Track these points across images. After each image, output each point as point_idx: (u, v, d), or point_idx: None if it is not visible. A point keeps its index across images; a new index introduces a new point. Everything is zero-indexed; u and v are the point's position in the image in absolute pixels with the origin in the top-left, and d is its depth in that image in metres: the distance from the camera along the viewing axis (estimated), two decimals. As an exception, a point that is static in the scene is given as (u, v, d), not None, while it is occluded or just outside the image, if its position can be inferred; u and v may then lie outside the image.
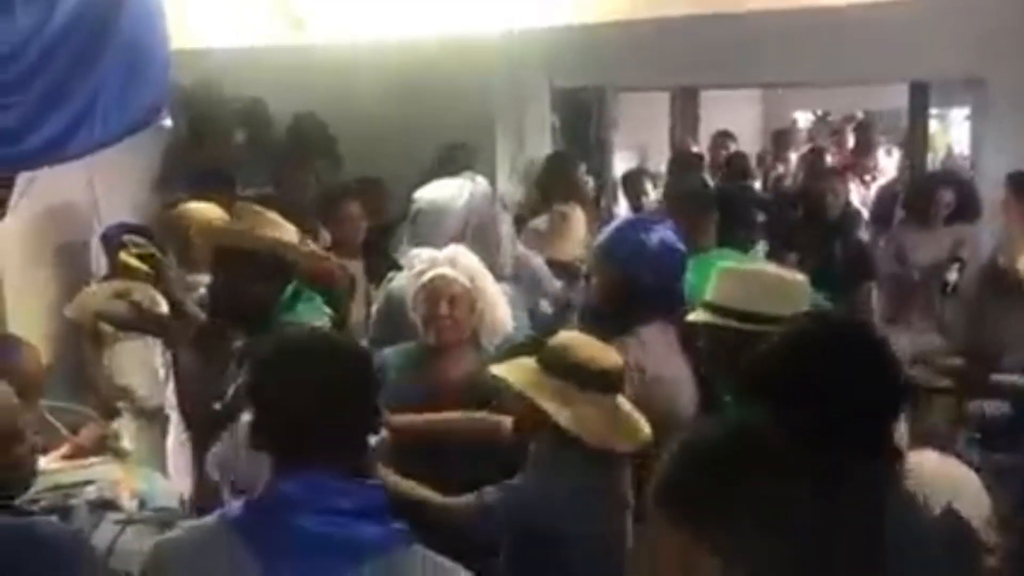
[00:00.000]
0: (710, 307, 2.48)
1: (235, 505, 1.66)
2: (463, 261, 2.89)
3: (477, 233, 3.39)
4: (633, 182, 6.57)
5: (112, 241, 4.29)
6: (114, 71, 3.18)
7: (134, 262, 3.75)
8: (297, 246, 2.93)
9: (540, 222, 4.95)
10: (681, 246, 2.96)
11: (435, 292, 2.85)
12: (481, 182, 3.66)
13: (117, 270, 3.95)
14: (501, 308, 2.91)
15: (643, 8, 5.54)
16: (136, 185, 5.04)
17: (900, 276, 5.32)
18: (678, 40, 5.53)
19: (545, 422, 2.35)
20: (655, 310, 2.86)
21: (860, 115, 8.64)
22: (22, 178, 3.46)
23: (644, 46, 5.58)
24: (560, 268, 4.31)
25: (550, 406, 2.33)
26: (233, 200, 4.12)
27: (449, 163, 4.94)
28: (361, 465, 1.71)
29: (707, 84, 7.04)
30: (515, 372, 2.42)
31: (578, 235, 4.81)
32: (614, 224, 3.18)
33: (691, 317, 2.54)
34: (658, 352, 2.79)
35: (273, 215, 2.95)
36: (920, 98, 6.25)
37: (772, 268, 2.84)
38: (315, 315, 2.90)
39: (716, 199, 4.03)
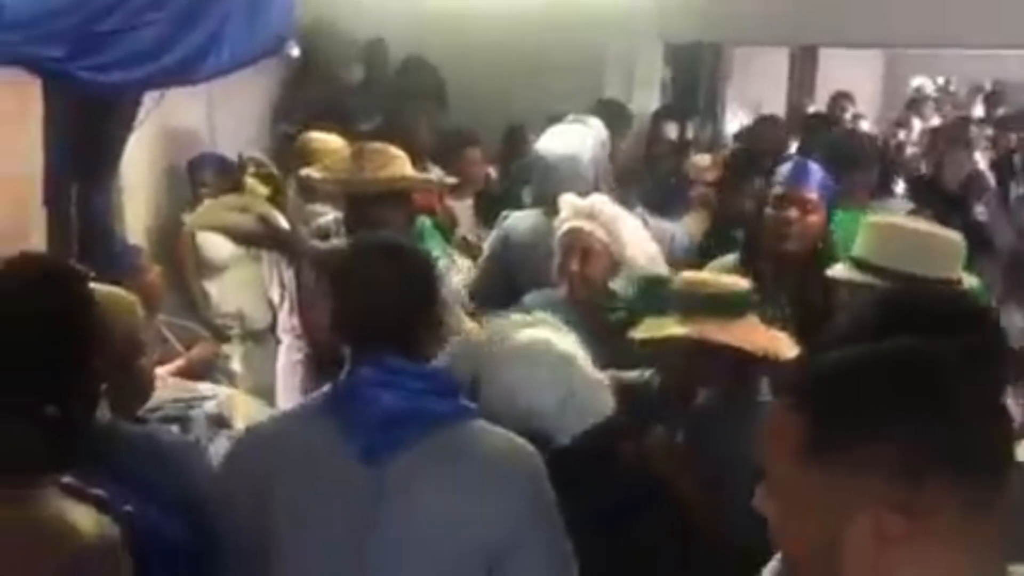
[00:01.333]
0: (854, 262, 2.38)
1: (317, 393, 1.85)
2: (603, 213, 2.84)
3: (603, 179, 3.37)
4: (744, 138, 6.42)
5: (197, 169, 4.39)
6: (238, 1, 3.23)
7: (257, 184, 3.83)
8: (416, 178, 2.97)
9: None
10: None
11: (569, 245, 2.83)
12: (596, 124, 3.63)
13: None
14: (643, 255, 2.87)
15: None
16: (251, 114, 5.15)
17: (1019, 252, 5.12)
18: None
19: (706, 370, 2.21)
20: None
21: (988, 85, 8.28)
22: (148, 98, 3.54)
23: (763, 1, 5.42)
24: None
25: (725, 336, 2.14)
26: (348, 135, 4.18)
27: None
28: (429, 356, 1.89)
29: (826, 42, 6.81)
30: (658, 328, 2.25)
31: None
32: None
33: (830, 272, 2.46)
34: None
35: (395, 150, 2.99)
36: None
37: (925, 224, 2.67)
38: (439, 250, 2.97)
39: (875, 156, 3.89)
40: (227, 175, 4.25)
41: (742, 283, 2.32)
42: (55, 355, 1.59)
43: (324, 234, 3.56)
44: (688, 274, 2.44)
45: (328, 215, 3.61)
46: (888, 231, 2.40)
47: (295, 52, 3.66)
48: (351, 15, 5.39)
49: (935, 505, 0.88)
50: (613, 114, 4.86)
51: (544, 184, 3.43)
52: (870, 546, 0.88)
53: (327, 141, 3.85)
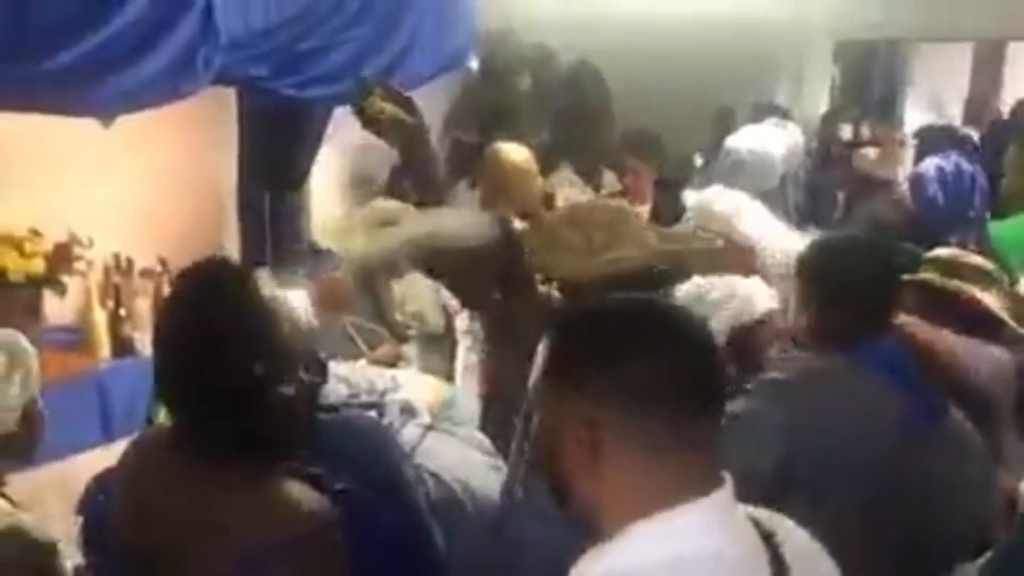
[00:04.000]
0: None
1: None
2: (717, 207, 2.89)
3: (791, 179, 3.38)
4: (927, 138, 6.16)
5: (394, 184, 4.54)
6: (429, 14, 3.35)
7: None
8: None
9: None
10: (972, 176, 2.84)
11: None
12: (793, 129, 3.63)
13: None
14: (771, 243, 2.89)
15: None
16: (429, 124, 5.30)
17: None
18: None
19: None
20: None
21: None
22: (339, 111, 3.72)
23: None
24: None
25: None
26: (520, 143, 4.26)
27: (727, 121, 4.88)
28: None
29: (1010, 35, 6.46)
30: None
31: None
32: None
33: None
34: None
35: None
36: None
37: None
38: None
39: None
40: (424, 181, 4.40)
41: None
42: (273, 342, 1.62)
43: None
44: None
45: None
46: None
47: (474, 65, 3.77)
48: (523, 22, 5.50)
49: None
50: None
51: (731, 179, 3.47)
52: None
53: (514, 152, 3.91)
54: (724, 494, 1.12)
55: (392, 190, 4.48)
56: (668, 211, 4.02)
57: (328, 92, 3.16)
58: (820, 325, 1.98)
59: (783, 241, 2.95)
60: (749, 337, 2.30)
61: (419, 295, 4.35)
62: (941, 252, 2.50)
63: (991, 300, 2.32)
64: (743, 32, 5.47)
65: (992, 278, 2.37)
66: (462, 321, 3.63)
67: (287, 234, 4.10)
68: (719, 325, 2.26)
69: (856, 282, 1.94)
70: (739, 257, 2.76)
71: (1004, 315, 2.30)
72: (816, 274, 2.02)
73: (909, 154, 6.07)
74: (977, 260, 2.44)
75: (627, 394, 1.10)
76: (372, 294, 4.50)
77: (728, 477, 1.13)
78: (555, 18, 5.53)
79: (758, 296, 2.36)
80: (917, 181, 3.45)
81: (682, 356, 1.12)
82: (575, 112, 5.32)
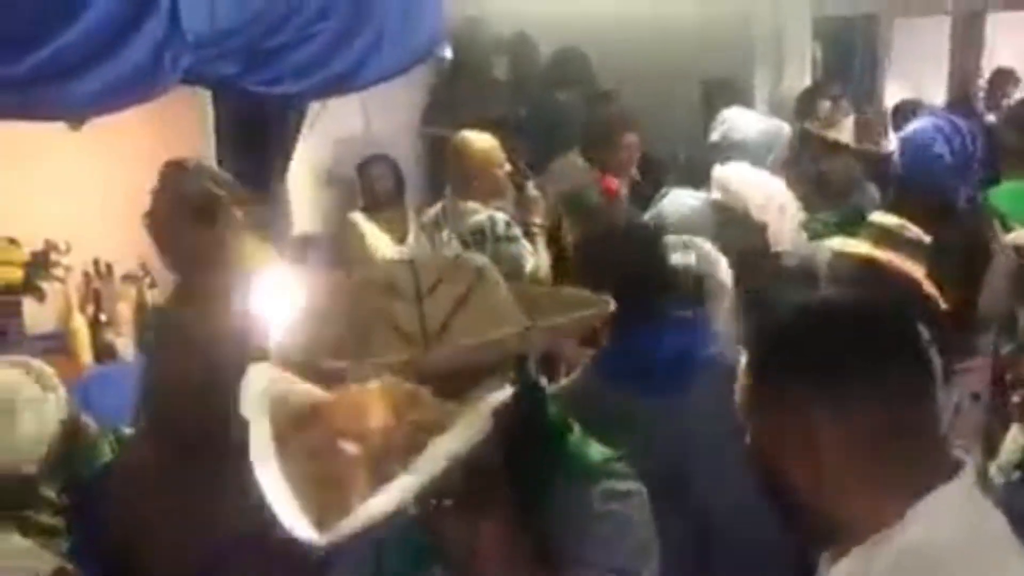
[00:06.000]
0: None
1: None
2: (734, 181, 2.91)
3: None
4: (905, 114, 6.16)
5: (366, 170, 4.54)
6: (396, 8, 3.33)
7: None
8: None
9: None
10: (966, 141, 3.00)
11: (712, 217, 2.90)
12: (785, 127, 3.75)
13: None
14: (774, 207, 2.93)
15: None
16: (403, 117, 5.29)
17: None
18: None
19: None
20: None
21: None
22: (312, 108, 3.71)
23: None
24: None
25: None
26: (500, 132, 4.25)
27: (712, 99, 4.87)
28: None
29: (991, 5, 6.46)
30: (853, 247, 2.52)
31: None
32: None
33: (1012, 237, 2.41)
34: None
35: None
36: None
37: None
38: None
39: None
40: (396, 177, 4.41)
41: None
42: None
43: (478, 231, 3.66)
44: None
45: (481, 213, 3.70)
46: None
47: (448, 54, 3.76)
48: (497, 11, 5.48)
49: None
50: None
51: (715, 145, 3.59)
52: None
53: (483, 141, 3.92)
54: (969, 475, 1.11)
55: (368, 191, 4.49)
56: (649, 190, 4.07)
57: (299, 87, 3.15)
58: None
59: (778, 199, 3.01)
60: None
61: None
62: (883, 220, 2.54)
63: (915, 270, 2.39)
64: (718, 14, 5.47)
65: (923, 249, 2.43)
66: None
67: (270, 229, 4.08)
68: None
69: (616, 270, 1.97)
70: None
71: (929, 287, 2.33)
72: (580, 266, 2.12)
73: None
74: (914, 232, 2.49)
75: (842, 393, 1.09)
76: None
77: (969, 459, 1.13)
78: (525, 5, 5.51)
79: None
80: (916, 138, 3.35)
81: (887, 347, 1.12)
82: (559, 92, 5.33)
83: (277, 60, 2.97)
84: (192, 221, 2.52)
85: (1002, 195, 3.36)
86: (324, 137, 4.45)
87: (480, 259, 1.39)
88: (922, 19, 6.75)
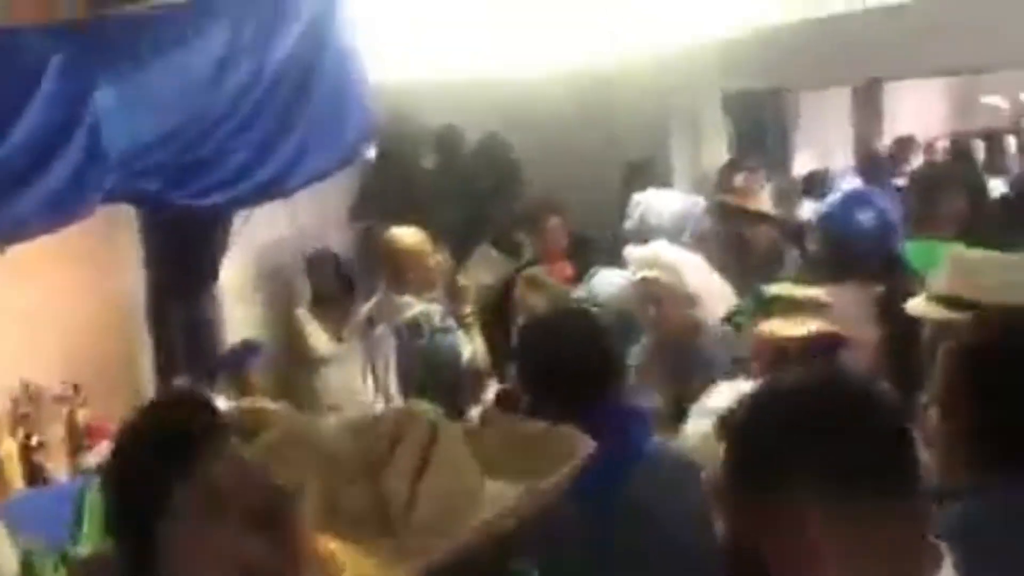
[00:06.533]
0: (936, 299, 2.38)
1: None
2: (664, 258, 2.97)
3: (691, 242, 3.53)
4: (815, 183, 6.41)
5: (316, 267, 4.55)
6: (320, 114, 3.39)
7: None
8: None
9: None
10: (889, 216, 3.04)
11: (640, 296, 2.98)
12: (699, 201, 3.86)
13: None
14: (709, 291, 2.97)
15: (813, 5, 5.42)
16: (332, 212, 5.32)
17: None
18: (854, 33, 5.38)
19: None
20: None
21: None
22: (238, 217, 3.73)
23: (818, 43, 5.45)
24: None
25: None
26: (427, 224, 4.32)
27: (634, 179, 5.03)
28: None
29: (889, 75, 6.80)
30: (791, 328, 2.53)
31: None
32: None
33: (911, 309, 2.45)
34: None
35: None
36: None
37: (1009, 256, 2.68)
38: None
39: (967, 190, 3.89)
40: (340, 273, 4.42)
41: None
42: None
43: (414, 324, 3.69)
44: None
45: (416, 306, 3.74)
46: (974, 264, 2.40)
47: (372, 153, 3.85)
48: (420, 105, 5.58)
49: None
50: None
51: (634, 230, 3.60)
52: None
53: (410, 235, 3.99)
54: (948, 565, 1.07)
55: (313, 287, 4.49)
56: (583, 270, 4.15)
57: (226, 198, 3.17)
58: (531, 405, 1.97)
59: (723, 296, 3.09)
60: None
61: (337, 386, 4.33)
62: (777, 290, 2.67)
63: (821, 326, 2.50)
64: (635, 88, 5.64)
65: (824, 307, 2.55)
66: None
67: (202, 340, 4.06)
68: None
69: (558, 357, 1.93)
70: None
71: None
72: (523, 353, 2.06)
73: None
74: (811, 292, 2.62)
75: (833, 480, 1.03)
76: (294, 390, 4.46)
77: (943, 549, 1.08)
78: (449, 97, 5.63)
79: None
80: (838, 209, 3.44)
81: (875, 430, 1.06)
82: (488, 187, 5.44)
83: (201, 173, 3.00)
84: None
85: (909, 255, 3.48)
86: (252, 239, 4.46)
87: (430, 413, 1.20)
88: (825, 91, 7.07)
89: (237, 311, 4.61)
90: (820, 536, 1.02)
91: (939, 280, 2.39)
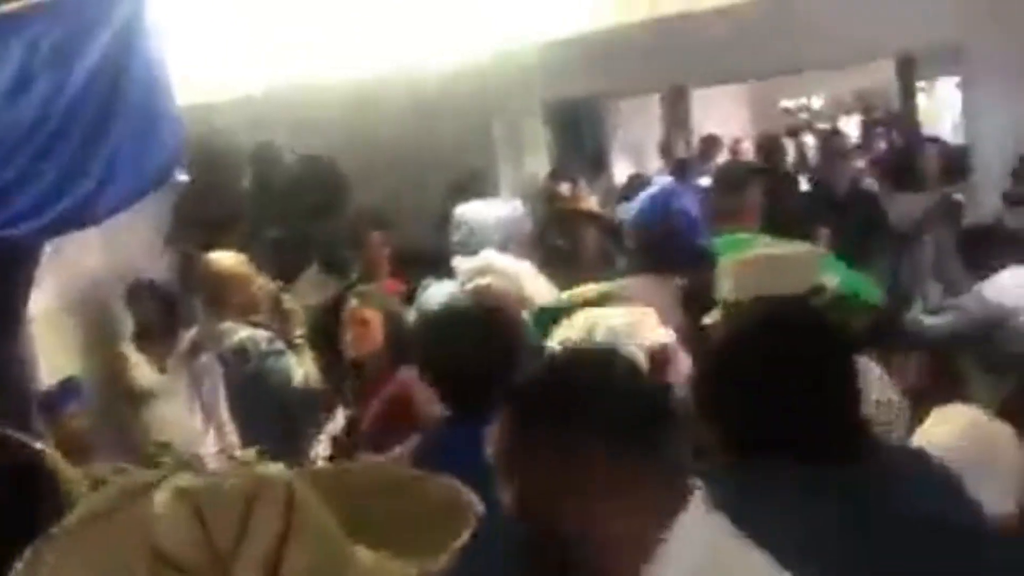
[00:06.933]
0: (724, 305, 2.53)
1: None
2: (497, 266, 3.02)
3: (514, 247, 3.60)
4: (633, 187, 6.65)
5: (136, 296, 4.35)
6: (126, 136, 3.24)
7: None
8: None
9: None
10: (689, 213, 3.17)
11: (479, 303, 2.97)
12: (516, 204, 3.93)
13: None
14: (540, 292, 3.10)
15: (624, 12, 5.63)
16: (150, 240, 5.11)
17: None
18: (662, 42, 5.62)
19: None
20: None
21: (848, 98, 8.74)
22: (47, 250, 3.52)
23: (628, 51, 5.67)
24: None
25: None
26: (248, 244, 4.22)
27: (461, 192, 5.09)
28: None
29: (694, 83, 7.15)
30: None
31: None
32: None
33: (706, 319, 2.60)
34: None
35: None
36: (907, 71, 6.36)
37: (776, 249, 2.87)
38: None
39: (765, 184, 4.09)
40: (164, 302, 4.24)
41: None
42: None
43: (240, 349, 3.59)
44: None
45: (242, 331, 3.64)
46: (744, 267, 2.56)
47: (183, 177, 3.71)
48: (235, 123, 5.44)
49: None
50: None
51: (460, 243, 3.63)
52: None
53: (228, 259, 3.88)
54: (701, 494, 1.26)
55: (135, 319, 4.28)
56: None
57: (29, 228, 2.99)
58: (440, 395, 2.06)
59: (551, 298, 3.15)
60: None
61: (167, 422, 4.16)
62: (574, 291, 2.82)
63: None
64: (456, 100, 5.69)
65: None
66: (212, 439, 3.54)
67: (14, 382, 3.80)
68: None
69: (454, 353, 2.02)
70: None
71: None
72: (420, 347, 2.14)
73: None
74: (603, 288, 2.84)
75: (613, 431, 1.24)
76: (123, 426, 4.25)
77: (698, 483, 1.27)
78: (265, 116, 5.51)
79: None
80: (642, 210, 3.63)
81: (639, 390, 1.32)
82: (311, 204, 5.34)
83: (4, 200, 2.82)
84: None
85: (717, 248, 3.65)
86: (65, 268, 4.22)
87: (284, 474, 0.92)
88: (637, 99, 7.36)
89: (50, 344, 4.35)
90: (604, 474, 1.22)
91: (722, 286, 2.56)
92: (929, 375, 3.46)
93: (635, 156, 7.49)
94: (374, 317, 2.99)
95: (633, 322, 2.66)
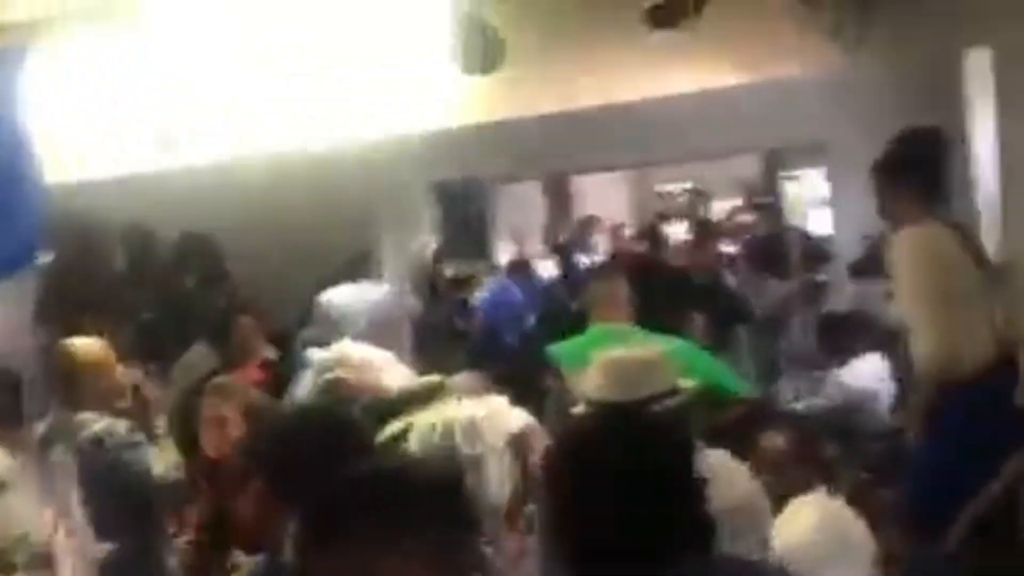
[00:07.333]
0: (588, 402, 2.61)
1: None
2: (351, 358, 2.97)
3: (381, 331, 3.55)
4: (515, 271, 6.75)
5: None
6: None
7: None
8: None
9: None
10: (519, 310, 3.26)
11: (331, 398, 2.95)
12: (385, 287, 3.88)
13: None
14: (397, 380, 3.03)
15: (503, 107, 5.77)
16: (15, 319, 4.90)
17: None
18: (545, 133, 5.77)
19: None
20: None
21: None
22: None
23: (513, 140, 5.79)
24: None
25: None
26: (121, 325, 4.08)
27: (346, 274, 5.07)
28: None
29: (575, 170, 7.34)
30: None
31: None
32: None
33: (575, 411, 2.64)
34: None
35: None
36: (773, 163, 6.68)
37: (634, 351, 2.83)
38: None
39: (638, 279, 4.15)
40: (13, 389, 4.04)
41: None
42: None
43: (96, 441, 3.45)
44: None
45: (99, 422, 3.51)
46: (603, 370, 2.63)
47: (47, 258, 3.58)
48: (104, 204, 5.31)
49: None
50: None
51: (321, 332, 3.59)
52: None
53: (89, 347, 3.74)
54: None
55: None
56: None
57: None
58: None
59: (401, 371, 3.11)
60: None
61: (21, 515, 3.94)
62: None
63: None
64: (343, 180, 5.68)
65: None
66: (63, 537, 3.35)
67: None
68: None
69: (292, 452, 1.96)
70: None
71: None
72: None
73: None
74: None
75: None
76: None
77: None
78: (137, 196, 5.39)
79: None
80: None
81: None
82: (190, 283, 5.23)
83: None
84: None
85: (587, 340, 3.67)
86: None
87: None
88: (520, 184, 7.52)
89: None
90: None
91: (586, 382, 2.65)
92: (795, 457, 3.57)
93: (519, 238, 7.59)
94: (232, 415, 2.89)
95: (491, 413, 2.67)
